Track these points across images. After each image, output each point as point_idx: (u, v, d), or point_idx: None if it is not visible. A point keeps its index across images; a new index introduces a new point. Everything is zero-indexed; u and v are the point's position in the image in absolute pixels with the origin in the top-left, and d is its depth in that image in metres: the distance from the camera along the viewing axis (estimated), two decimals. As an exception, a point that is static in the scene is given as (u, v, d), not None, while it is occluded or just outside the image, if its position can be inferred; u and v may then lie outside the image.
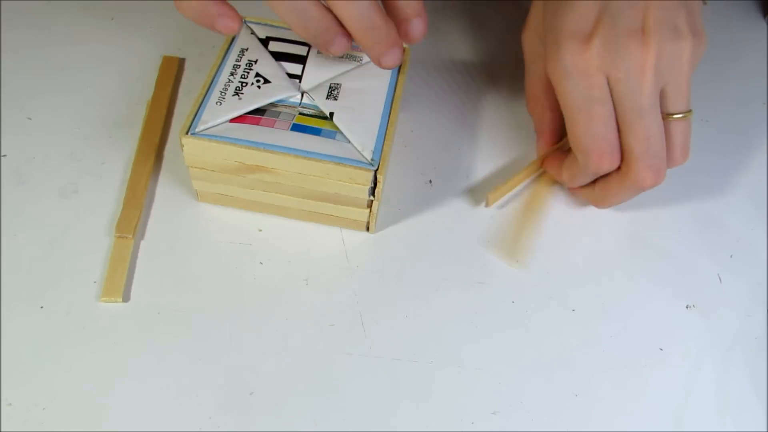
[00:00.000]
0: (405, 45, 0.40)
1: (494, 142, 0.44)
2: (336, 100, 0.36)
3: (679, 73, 0.33)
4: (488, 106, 0.46)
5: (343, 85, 0.37)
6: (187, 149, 0.35)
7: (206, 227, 0.38)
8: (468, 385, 0.34)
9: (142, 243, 0.37)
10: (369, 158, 0.34)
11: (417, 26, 0.33)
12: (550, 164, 0.40)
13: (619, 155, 0.35)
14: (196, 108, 0.35)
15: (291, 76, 0.37)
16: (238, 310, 0.35)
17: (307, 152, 0.34)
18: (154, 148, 0.40)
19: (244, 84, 0.36)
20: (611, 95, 0.33)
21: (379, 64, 0.33)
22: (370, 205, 0.36)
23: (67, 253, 0.36)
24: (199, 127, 0.34)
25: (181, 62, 0.46)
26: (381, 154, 0.34)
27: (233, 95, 0.36)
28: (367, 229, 0.38)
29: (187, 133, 0.34)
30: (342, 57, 0.38)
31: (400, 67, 0.39)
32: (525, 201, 0.40)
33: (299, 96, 0.36)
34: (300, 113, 0.36)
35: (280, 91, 0.36)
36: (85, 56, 0.45)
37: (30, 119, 0.41)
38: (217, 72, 0.37)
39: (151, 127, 0.41)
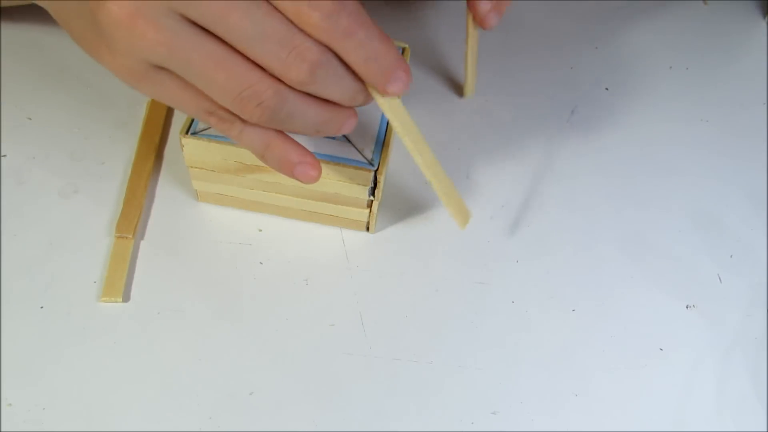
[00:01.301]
0: (405, 45, 0.40)
1: (494, 141, 0.44)
2: None
3: None
4: (488, 105, 0.46)
5: None
6: (187, 149, 0.35)
7: (206, 227, 0.38)
8: (468, 385, 0.34)
9: (142, 243, 0.37)
10: (369, 158, 0.34)
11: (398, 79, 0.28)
12: None
13: None
14: None
15: None
16: (238, 310, 0.35)
17: None
18: (154, 148, 0.40)
19: None
20: None
21: (385, 92, 0.29)
22: (370, 205, 0.36)
23: (67, 253, 0.36)
24: (199, 127, 0.34)
25: (181, 62, 0.46)
26: (381, 155, 0.34)
27: None
28: (367, 229, 0.38)
29: (186, 133, 0.34)
30: None
31: None
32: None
33: None
34: None
35: None
36: (85, 56, 0.45)
37: (30, 119, 0.41)
38: None
39: (151, 127, 0.41)
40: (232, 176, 0.36)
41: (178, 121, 0.43)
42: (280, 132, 0.29)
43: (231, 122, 0.28)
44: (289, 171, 0.30)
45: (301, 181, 0.30)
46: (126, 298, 0.35)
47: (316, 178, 0.30)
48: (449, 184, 0.34)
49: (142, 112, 0.42)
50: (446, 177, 0.33)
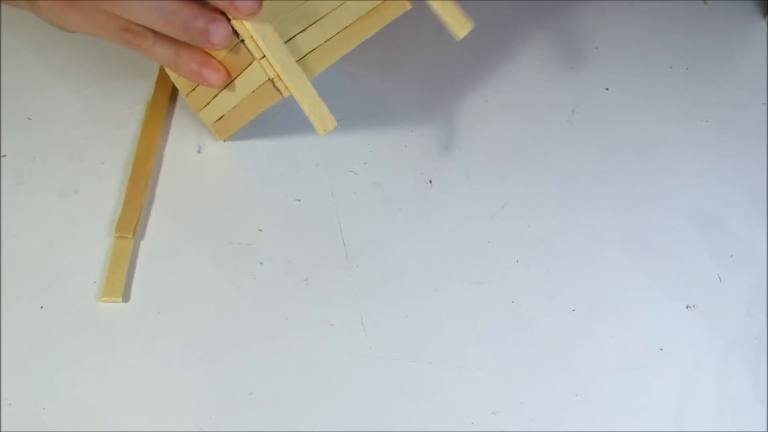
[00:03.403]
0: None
1: (495, 141, 0.44)
2: None
3: None
4: (488, 105, 0.46)
5: None
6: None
7: (206, 227, 0.38)
8: (468, 385, 0.34)
9: (142, 243, 0.37)
10: None
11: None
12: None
13: None
14: None
15: None
16: (238, 310, 0.35)
17: None
18: (154, 148, 0.40)
19: None
20: None
21: (234, 11, 0.30)
22: None
23: (67, 253, 0.36)
24: None
25: (181, 62, 0.46)
26: None
27: None
28: None
29: None
30: None
31: None
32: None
33: None
34: None
35: None
36: (85, 56, 0.45)
37: (30, 119, 0.41)
38: None
39: (151, 127, 0.41)
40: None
41: (179, 121, 0.43)
42: (188, 44, 0.32)
43: (144, 36, 0.32)
44: (199, 77, 0.33)
45: (210, 85, 0.34)
46: (126, 298, 0.35)
47: (221, 81, 0.33)
48: (313, 95, 0.33)
49: (142, 112, 0.42)
50: (313, 91, 0.33)
